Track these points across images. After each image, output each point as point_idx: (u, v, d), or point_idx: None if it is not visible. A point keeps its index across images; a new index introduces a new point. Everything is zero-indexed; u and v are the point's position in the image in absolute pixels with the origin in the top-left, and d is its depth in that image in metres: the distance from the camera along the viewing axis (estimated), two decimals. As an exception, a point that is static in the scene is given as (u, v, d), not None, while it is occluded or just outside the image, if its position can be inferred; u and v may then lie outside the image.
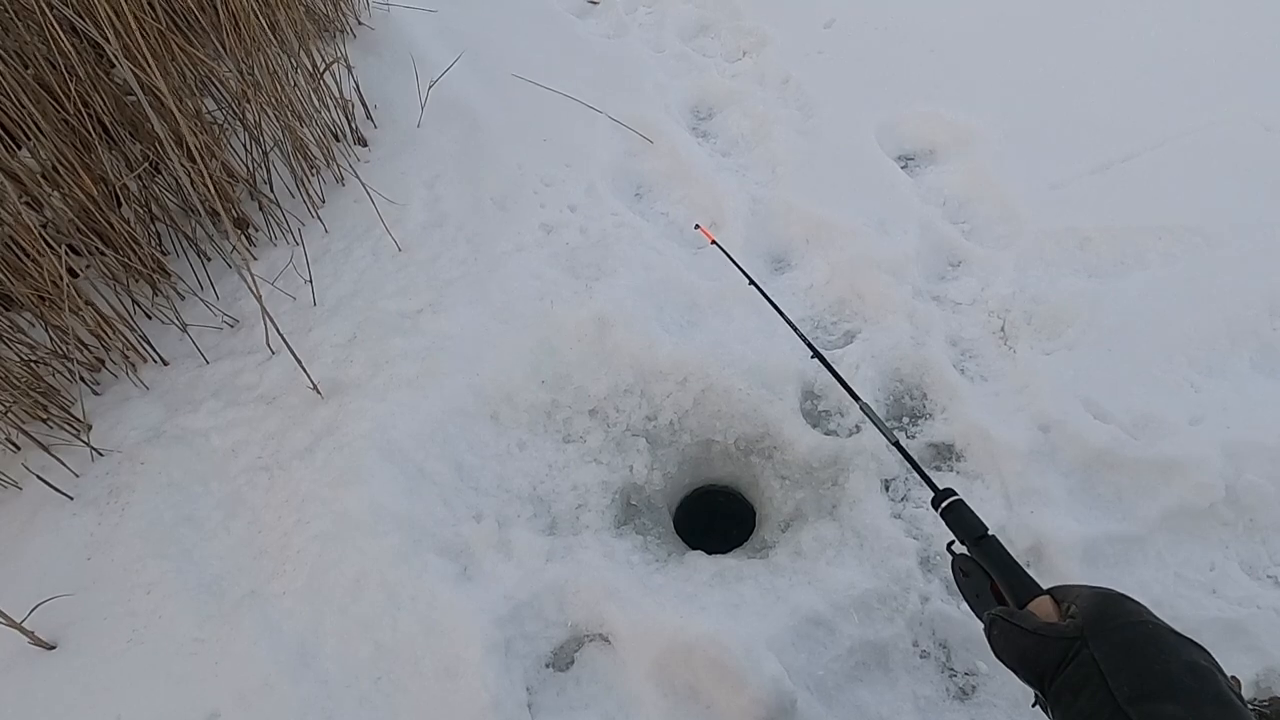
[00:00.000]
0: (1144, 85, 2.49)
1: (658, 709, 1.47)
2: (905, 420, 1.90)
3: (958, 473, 1.79)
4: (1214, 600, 1.56)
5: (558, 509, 1.75)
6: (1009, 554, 0.97)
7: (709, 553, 1.73)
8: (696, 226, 2.01)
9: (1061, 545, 1.60)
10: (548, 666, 1.56)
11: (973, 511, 1.04)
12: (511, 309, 2.01)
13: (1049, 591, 0.90)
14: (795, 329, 1.58)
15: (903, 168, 2.43)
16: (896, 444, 1.27)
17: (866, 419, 1.84)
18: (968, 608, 1.69)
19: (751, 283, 1.69)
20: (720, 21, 3.06)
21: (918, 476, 1.17)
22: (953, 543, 1.03)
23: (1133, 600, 0.82)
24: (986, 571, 0.97)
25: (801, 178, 2.37)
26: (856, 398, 1.41)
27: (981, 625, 0.93)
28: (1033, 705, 0.87)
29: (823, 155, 2.43)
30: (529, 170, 2.38)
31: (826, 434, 1.85)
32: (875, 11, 2.93)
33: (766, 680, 1.41)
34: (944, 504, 1.06)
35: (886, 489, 1.77)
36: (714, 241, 1.83)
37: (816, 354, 1.52)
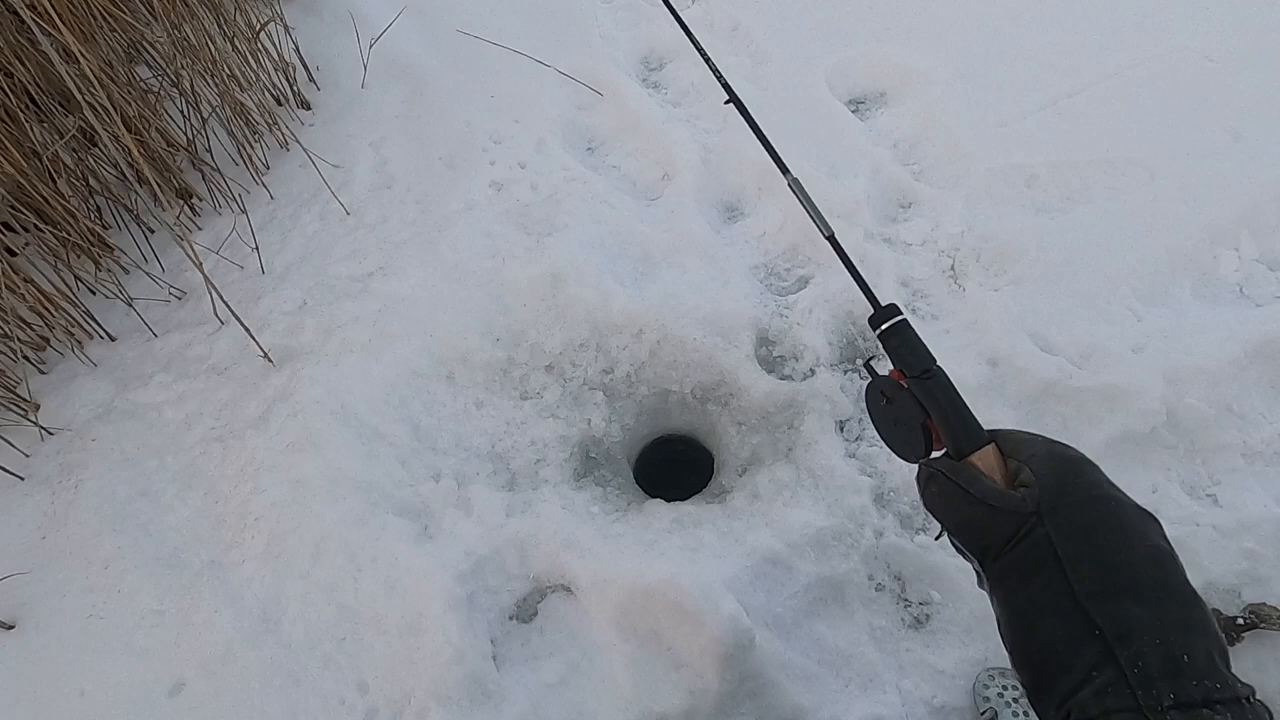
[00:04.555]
0: (1089, 20, 2.49)
1: (620, 653, 1.49)
2: (859, 361, 1.92)
3: (910, 411, 1.82)
4: (1156, 521, 1.61)
5: (517, 465, 1.76)
6: (958, 393, 0.82)
7: (668, 500, 1.75)
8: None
9: (1010, 475, 1.64)
10: (511, 619, 1.58)
11: (920, 339, 0.86)
12: (463, 268, 1.99)
13: (994, 438, 0.79)
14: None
15: (853, 111, 2.42)
16: (832, 239, 0.99)
17: (820, 363, 1.87)
18: (924, 540, 1.72)
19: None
20: (668, -31, 2.99)
21: (862, 294, 0.93)
22: (871, 359, 0.88)
23: (1091, 465, 0.75)
24: (923, 407, 0.83)
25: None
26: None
27: (916, 480, 0.80)
28: (978, 585, 0.78)
29: (773, 102, 2.41)
30: (477, 128, 2.34)
31: (781, 379, 1.86)
32: (824, -46, 2.89)
33: (724, 619, 1.43)
34: (888, 324, 0.86)
35: (841, 430, 1.79)
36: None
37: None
